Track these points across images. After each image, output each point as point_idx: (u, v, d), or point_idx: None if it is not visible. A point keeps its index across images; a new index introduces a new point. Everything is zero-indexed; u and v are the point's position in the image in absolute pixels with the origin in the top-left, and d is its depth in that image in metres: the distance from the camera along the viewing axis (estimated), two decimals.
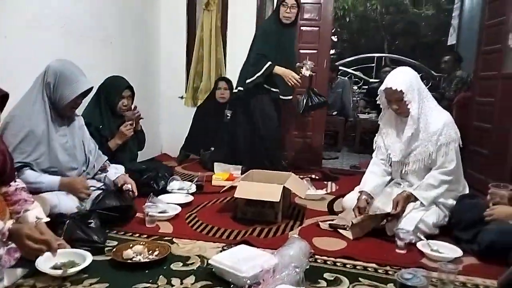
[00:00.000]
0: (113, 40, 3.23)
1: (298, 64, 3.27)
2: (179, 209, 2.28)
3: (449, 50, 7.35)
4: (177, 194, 2.58)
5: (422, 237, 1.95)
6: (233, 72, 3.97)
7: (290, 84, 3.13)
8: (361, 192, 2.21)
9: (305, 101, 3.32)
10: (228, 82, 3.69)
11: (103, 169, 2.30)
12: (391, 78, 2.12)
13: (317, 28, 3.76)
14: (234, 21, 3.94)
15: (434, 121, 2.11)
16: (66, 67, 2.02)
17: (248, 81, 3.18)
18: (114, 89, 2.69)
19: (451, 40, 7.51)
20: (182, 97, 4.12)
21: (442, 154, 2.09)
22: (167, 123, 4.14)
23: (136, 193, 2.26)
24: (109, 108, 2.67)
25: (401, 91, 2.05)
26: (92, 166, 2.23)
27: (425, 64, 7.40)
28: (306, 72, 3.19)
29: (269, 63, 3.09)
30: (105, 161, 2.32)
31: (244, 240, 1.92)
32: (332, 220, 2.24)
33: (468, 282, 1.65)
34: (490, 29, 3.27)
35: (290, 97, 3.35)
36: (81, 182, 2.03)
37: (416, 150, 2.15)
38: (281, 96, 3.27)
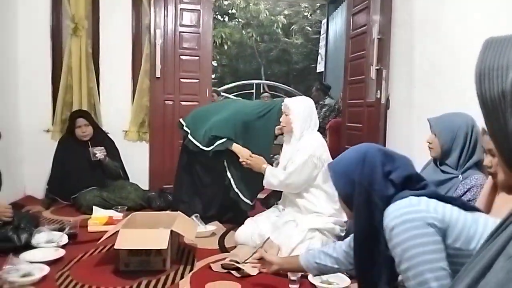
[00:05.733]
0: None
1: None
2: (47, 269, 1.93)
3: (318, 77, 8.06)
4: (45, 249, 2.19)
5: None
6: (107, 101, 3.70)
7: (243, 164, 2.59)
8: None
9: None
10: (87, 116, 3.36)
11: None
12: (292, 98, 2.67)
13: (197, 58, 3.72)
14: (107, 47, 3.67)
15: (305, 141, 2.37)
16: None
17: (198, 144, 2.73)
18: None
19: (320, 67, 8.26)
20: (48, 131, 3.65)
21: (293, 160, 2.34)
22: (30, 160, 3.60)
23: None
24: None
25: (287, 107, 2.41)
26: None
27: (298, 89, 7.96)
28: None
29: (224, 139, 2.67)
30: None
31: None
32: (224, 259, 2.14)
33: None
34: (354, 61, 3.62)
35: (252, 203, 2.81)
36: None
37: (288, 163, 2.40)
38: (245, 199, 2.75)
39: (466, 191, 1.75)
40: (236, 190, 2.72)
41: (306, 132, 2.40)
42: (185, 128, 2.85)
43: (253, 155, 2.57)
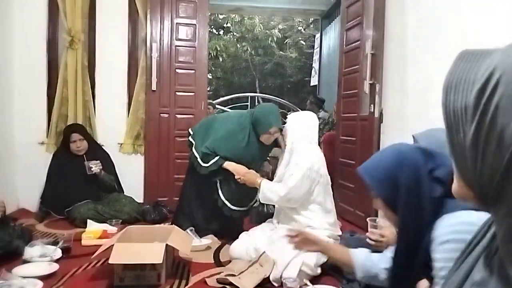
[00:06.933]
0: None
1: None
2: (40, 284, 1.91)
3: (312, 91, 8.13)
4: (38, 263, 2.17)
5: (308, 283, 1.97)
6: (103, 113, 3.70)
7: (239, 181, 2.59)
8: None
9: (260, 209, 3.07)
10: (82, 131, 3.36)
11: None
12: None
13: (192, 71, 3.75)
14: (103, 59, 3.69)
15: (302, 154, 2.36)
16: None
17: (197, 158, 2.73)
18: None
19: (314, 81, 8.33)
20: (43, 143, 3.64)
21: (291, 173, 2.34)
22: (24, 173, 3.58)
23: None
24: None
25: (285, 122, 2.51)
26: None
27: (292, 102, 8.01)
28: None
29: (217, 157, 2.65)
30: None
31: None
32: (219, 273, 2.13)
33: None
34: (347, 76, 3.67)
35: (242, 209, 2.79)
36: None
37: (284, 176, 2.40)
38: (230, 206, 2.73)
39: None
40: (225, 201, 2.72)
41: (302, 144, 2.38)
42: (190, 138, 2.84)
43: (248, 170, 2.57)
